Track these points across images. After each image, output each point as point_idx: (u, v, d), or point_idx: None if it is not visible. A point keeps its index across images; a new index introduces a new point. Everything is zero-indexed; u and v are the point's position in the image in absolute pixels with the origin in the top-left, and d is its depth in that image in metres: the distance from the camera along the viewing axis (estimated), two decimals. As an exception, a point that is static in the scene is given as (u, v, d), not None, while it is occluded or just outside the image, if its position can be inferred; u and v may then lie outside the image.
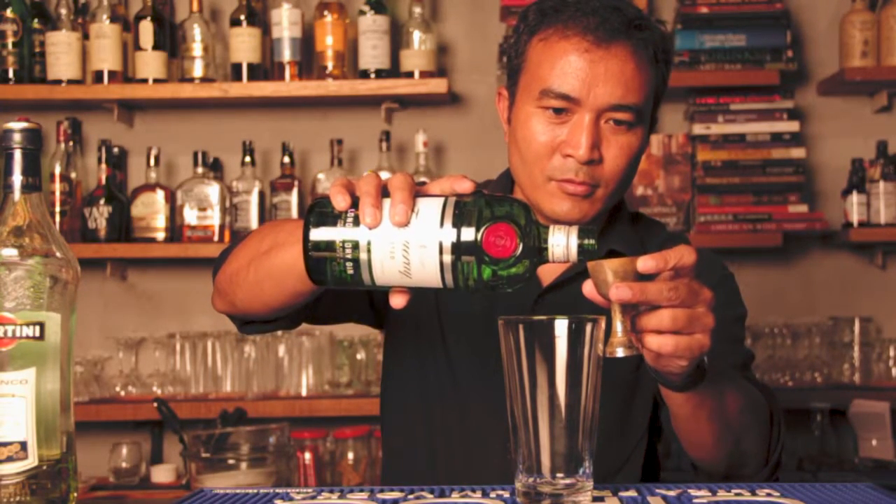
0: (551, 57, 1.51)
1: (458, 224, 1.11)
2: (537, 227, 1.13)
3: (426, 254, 1.12)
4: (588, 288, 1.18)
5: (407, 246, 1.12)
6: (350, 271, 1.14)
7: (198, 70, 3.03)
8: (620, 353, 1.17)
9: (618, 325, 1.17)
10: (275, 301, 1.38)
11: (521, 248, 1.12)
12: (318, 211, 1.16)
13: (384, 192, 1.14)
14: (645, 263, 1.16)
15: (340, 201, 1.14)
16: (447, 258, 1.12)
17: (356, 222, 1.13)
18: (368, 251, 1.13)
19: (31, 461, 1.11)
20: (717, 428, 1.39)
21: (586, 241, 1.13)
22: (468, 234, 1.11)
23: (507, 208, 1.13)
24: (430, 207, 1.12)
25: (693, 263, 1.18)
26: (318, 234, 1.15)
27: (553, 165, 1.52)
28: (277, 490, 1.29)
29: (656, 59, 1.54)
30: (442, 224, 1.11)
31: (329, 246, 1.14)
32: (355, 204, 1.15)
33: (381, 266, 1.13)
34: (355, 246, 1.13)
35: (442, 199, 1.13)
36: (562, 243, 1.13)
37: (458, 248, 1.11)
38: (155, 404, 2.79)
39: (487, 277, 1.13)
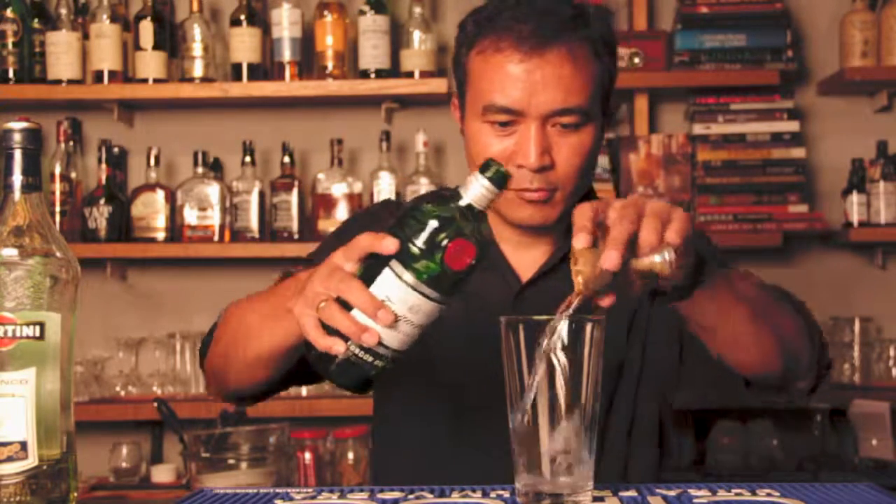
0: (489, 71, 1.52)
1: (422, 278, 1.15)
2: (458, 203, 1.17)
3: (421, 310, 1.17)
4: (607, 302, 1.20)
5: (405, 319, 1.17)
6: (381, 368, 1.20)
7: (198, 70, 3.03)
8: (668, 256, 1.18)
9: (646, 262, 1.18)
10: (270, 376, 1.50)
11: (474, 241, 1.16)
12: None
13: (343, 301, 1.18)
14: (578, 242, 1.17)
15: (329, 344, 1.18)
16: (434, 296, 1.17)
17: (359, 347, 1.18)
18: (385, 347, 1.18)
19: (31, 461, 1.11)
20: (753, 319, 1.39)
21: (490, 173, 1.17)
22: (438, 278, 1.16)
23: (435, 218, 1.16)
24: (390, 284, 1.16)
25: (592, 210, 1.19)
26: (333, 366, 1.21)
27: None
28: (277, 490, 1.29)
29: (597, 54, 1.54)
30: (414, 287, 1.16)
31: (349, 363, 1.19)
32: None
33: (399, 343, 1.18)
34: (370, 353, 1.18)
35: (388, 269, 1.16)
36: (480, 192, 1.18)
37: (439, 286, 1.16)
38: (155, 404, 2.79)
39: (472, 274, 1.18)
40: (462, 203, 1.18)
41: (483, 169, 1.18)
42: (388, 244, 1.15)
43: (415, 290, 1.15)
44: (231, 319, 1.52)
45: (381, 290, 1.16)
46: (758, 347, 1.43)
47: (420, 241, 1.15)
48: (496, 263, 1.63)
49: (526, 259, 1.63)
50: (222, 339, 1.53)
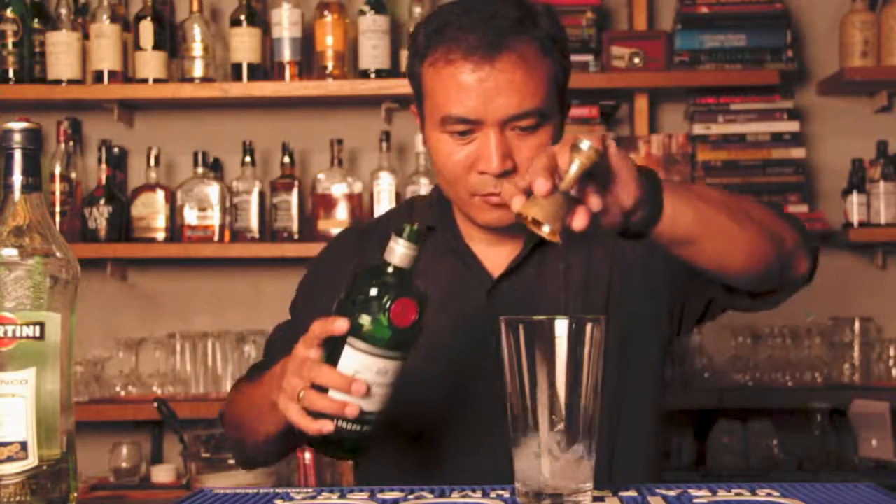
0: (442, 83, 1.54)
1: (379, 344, 1.29)
2: (388, 270, 1.30)
3: (388, 371, 1.30)
4: (579, 222, 1.18)
5: (377, 383, 1.29)
6: (370, 431, 1.32)
7: (198, 70, 3.03)
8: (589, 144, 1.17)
9: (574, 168, 1.17)
10: (281, 447, 1.61)
11: (413, 297, 1.29)
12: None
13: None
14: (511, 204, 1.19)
15: (318, 427, 1.30)
16: (395, 355, 1.30)
17: (346, 421, 1.30)
18: (368, 413, 1.31)
19: (31, 461, 1.11)
20: (730, 214, 1.36)
21: (405, 234, 1.29)
22: (392, 340, 1.29)
23: (372, 288, 1.29)
24: (353, 358, 1.29)
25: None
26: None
27: (472, 182, 1.55)
28: (277, 490, 1.30)
29: (548, 52, 1.55)
30: (374, 355, 1.29)
31: (340, 437, 1.32)
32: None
33: (378, 405, 1.31)
34: (356, 422, 1.31)
35: (347, 347, 1.29)
36: (402, 252, 1.29)
37: (395, 346, 1.29)
38: (155, 404, 2.79)
39: (422, 324, 1.31)
40: (391, 269, 1.29)
41: (399, 233, 1.29)
42: (340, 325, 1.28)
43: (376, 356, 1.28)
44: (234, 408, 1.66)
45: (348, 366, 1.29)
46: (746, 243, 1.39)
47: (366, 313, 1.28)
48: (467, 262, 1.65)
49: (496, 255, 1.65)
50: (232, 424, 1.68)
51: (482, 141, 1.53)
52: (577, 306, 1.59)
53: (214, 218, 3.03)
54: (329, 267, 1.74)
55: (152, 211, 3.04)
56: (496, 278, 1.63)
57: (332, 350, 1.30)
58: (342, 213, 3.02)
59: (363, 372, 1.28)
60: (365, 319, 1.28)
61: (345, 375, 1.29)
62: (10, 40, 3.01)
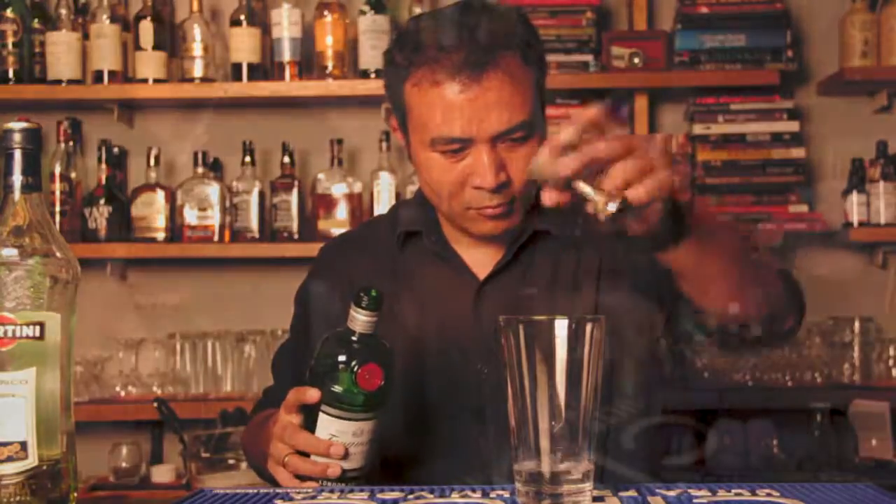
0: (429, 105, 1.52)
1: (350, 409, 1.36)
2: (352, 338, 1.36)
3: (363, 431, 1.37)
4: (547, 196, 1.22)
5: (354, 444, 1.37)
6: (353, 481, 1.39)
7: (198, 70, 3.03)
8: (612, 207, 1.18)
9: (588, 190, 1.18)
10: None
11: (378, 361, 1.36)
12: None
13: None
14: (565, 134, 1.20)
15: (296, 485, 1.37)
16: (367, 416, 1.37)
17: (330, 480, 1.38)
18: (350, 471, 1.38)
19: (31, 461, 1.11)
20: (727, 263, 1.38)
21: (364, 304, 1.35)
22: (363, 404, 1.36)
23: (338, 356, 1.36)
24: (328, 424, 1.37)
25: (596, 114, 1.21)
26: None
27: (466, 198, 1.55)
28: (277, 490, 1.30)
29: (529, 61, 1.54)
30: (347, 419, 1.36)
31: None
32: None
33: (359, 462, 1.38)
34: (340, 481, 1.38)
35: (321, 413, 1.37)
36: (363, 320, 1.36)
37: (367, 409, 1.36)
38: (155, 404, 2.79)
39: (391, 385, 1.38)
40: (355, 337, 1.36)
41: (357, 302, 1.36)
42: (312, 395, 1.36)
43: (349, 420, 1.36)
44: (248, 444, 1.73)
45: (324, 431, 1.37)
46: (739, 290, 1.41)
47: (334, 381, 1.36)
48: (453, 265, 1.65)
49: (481, 257, 1.65)
50: (249, 457, 1.76)
51: (475, 157, 1.52)
52: (565, 307, 1.59)
53: (214, 218, 3.03)
54: (315, 284, 1.75)
55: (152, 211, 3.04)
56: (482, 280, 1.63)
57: (310, 415, 1.38)
58: (342, 213, 3.02)
59: (340, 435, 1.36)
60: (334, 387, 1.35)
61: (322, 440, 1.36)
62: (10, 40, 3.01)
